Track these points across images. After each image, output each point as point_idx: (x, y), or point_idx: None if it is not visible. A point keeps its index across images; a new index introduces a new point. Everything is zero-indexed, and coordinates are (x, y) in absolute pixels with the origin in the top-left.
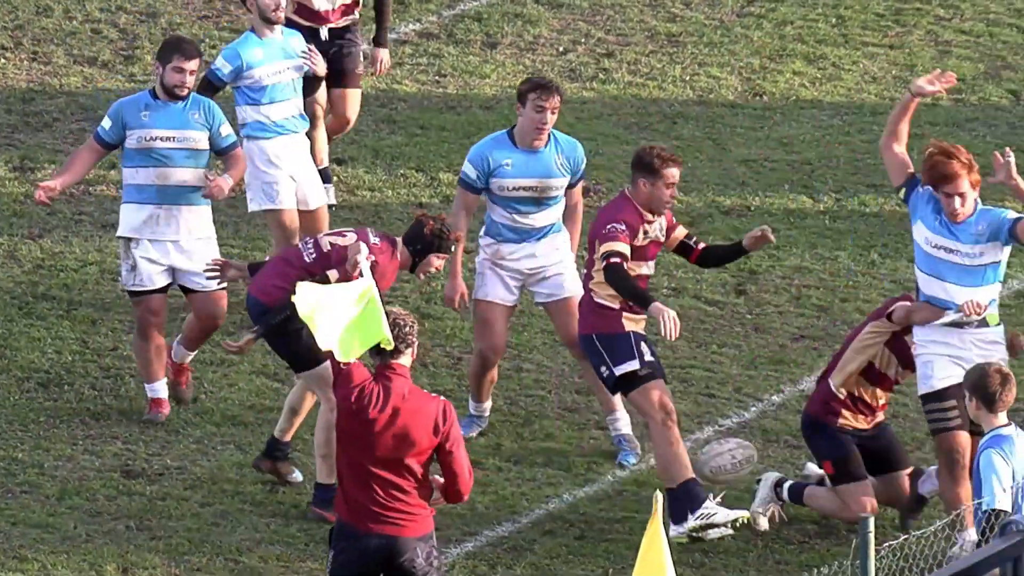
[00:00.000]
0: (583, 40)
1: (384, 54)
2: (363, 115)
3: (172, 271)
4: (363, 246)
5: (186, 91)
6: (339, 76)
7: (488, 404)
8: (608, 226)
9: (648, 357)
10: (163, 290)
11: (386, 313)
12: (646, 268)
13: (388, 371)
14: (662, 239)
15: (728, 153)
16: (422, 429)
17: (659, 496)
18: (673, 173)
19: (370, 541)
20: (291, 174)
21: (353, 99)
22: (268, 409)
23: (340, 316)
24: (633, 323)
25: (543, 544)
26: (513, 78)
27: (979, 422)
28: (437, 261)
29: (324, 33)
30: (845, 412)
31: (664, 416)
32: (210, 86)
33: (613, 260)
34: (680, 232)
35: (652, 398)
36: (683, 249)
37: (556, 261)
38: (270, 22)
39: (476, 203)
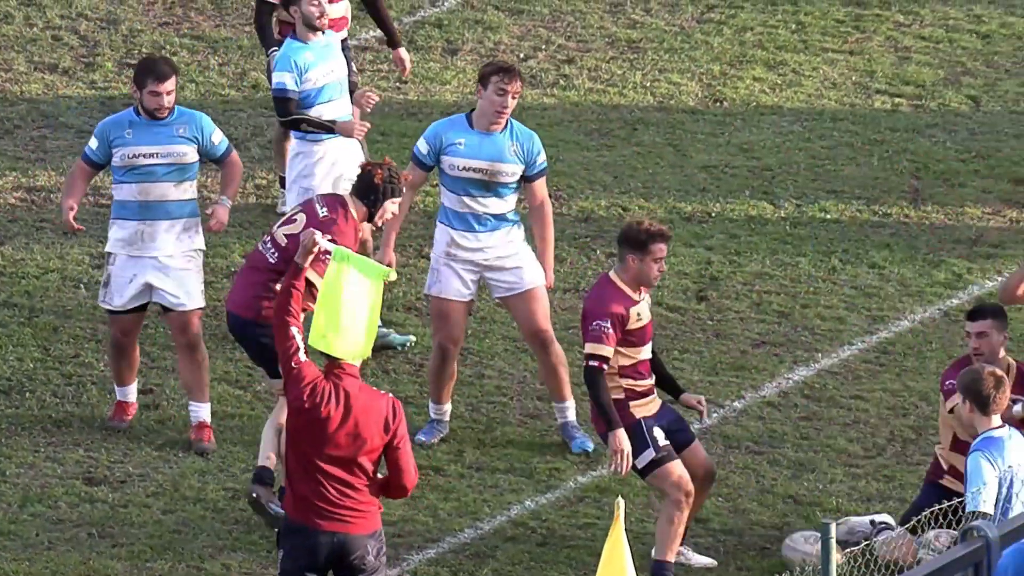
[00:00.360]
0: (543, 47)
1: (403, 52)
2: None
3: (150, 288)
4: (314, 233)
5: (166, 112)
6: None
7: (448, 407)
8: (594, 323)
9: (662, 441)
10: (136, 310)
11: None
12: (645, 352)
13: (338, 370)
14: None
15: (689, 159)
16: (373, 427)
17: (621, 503)
18: (661, 248)
19: (321, 539)
20: (343, 175)
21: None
22: (230, 416)
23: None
24: (643, 408)
25: (505, 551)
26: (473, 85)
27: (973, 424)
28: (392, 207)
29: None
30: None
31: (683, 497)
32: (287, 104)
33: (591, 364)
34: None
35: (672, 479)
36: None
37: (512, 253)
38: (315, 29)
39: (423, 180)
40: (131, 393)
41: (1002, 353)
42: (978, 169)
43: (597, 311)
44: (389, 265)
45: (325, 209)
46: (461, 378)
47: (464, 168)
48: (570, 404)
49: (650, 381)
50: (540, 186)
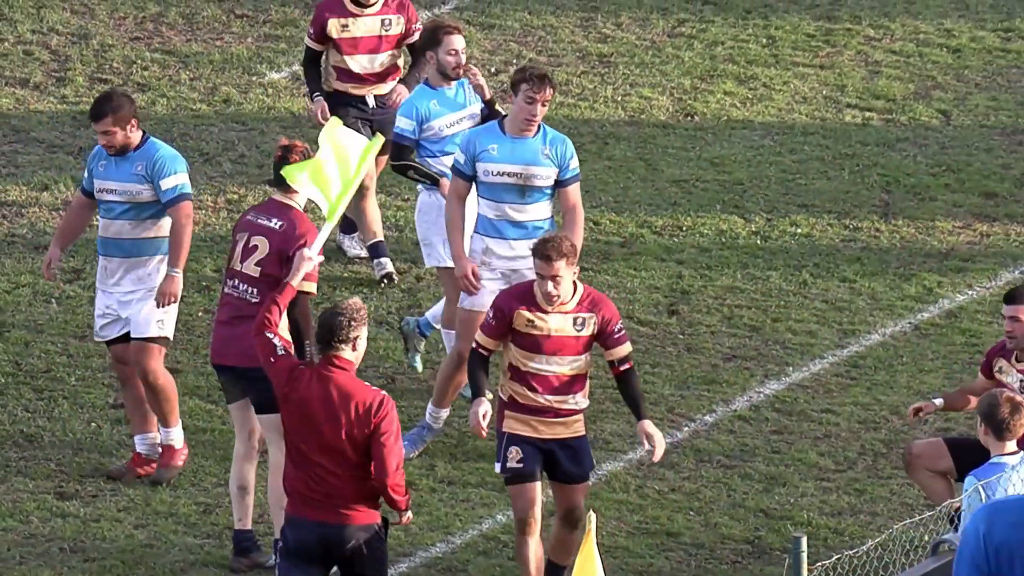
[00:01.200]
0: (515, 61)
1: (403, 91)
2: (294, 135)
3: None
4: (303, 253)
5: (113, 150)
6: (387, 143)
7: (446, 414)
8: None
9: (512, 464)
10: (121, 339)
11: (335, 304)
12: (541, 364)
13: (330, 363)
14: (580, 335)
15: (660, 173)
16: (357, 417)
17: (593, 517)
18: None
19: (310, 529)
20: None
21: (380, 164)
22: (202, 430)
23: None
24: (516, 422)
25: (477, 564)
26: None
27: (988, 447)
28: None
29: (371, 100)
30: None
31: (519, 524)
32: (403, 148)
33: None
34: (619, 351)
35: (514, 502)
36: (610, 364)
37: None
38: (449, 79)
39: (467, 190)
40: (143, 443)
41: None
42: (948, 183)
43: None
44: (474, 271)
45: (278, 220)
46: (431, 392)
47: (498, 173)
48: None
49: (543, 401)
50: (573, 191)
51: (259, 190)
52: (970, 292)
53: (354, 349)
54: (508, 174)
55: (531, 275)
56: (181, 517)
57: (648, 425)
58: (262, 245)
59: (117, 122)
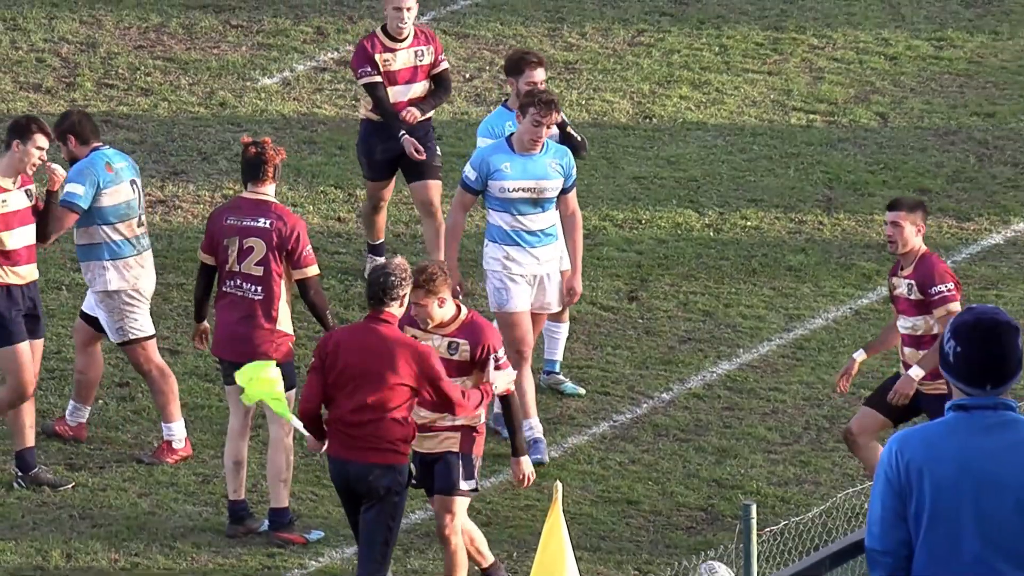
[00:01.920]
0: (487, 68)
1: (414, 112)
2: (286, 136)
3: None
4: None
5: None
6: (420, 170)
7: (536, 422)
8: None
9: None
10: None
11: (384, 264)
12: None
13: (378, 320)
14: (451, 358)
15: (620, 171)
16: (403, 366)
17: (559, 486)
18: None
19: (338, 466)
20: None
21: (435, 189)
22: (200, 407)
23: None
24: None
25: None
26: None
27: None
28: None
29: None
30: None
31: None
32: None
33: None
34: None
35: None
36: None
37: (551, 271)
38: None
39: (472, 203)
40: (171, 431)
41: (918, 244)
42: (886, 180)
43: None
44: (460, 285)
45: (264, 219)
46: None
47: (515, 189)
48: (534, 423)
49: (422, 415)
50: (572, 197)
51: None
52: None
53: (401, 305)
54: (524, 189)
55: (554, 279)
56: (181, 487)
57: (522, 463)
58: (258, 246)
59: (58, 138)
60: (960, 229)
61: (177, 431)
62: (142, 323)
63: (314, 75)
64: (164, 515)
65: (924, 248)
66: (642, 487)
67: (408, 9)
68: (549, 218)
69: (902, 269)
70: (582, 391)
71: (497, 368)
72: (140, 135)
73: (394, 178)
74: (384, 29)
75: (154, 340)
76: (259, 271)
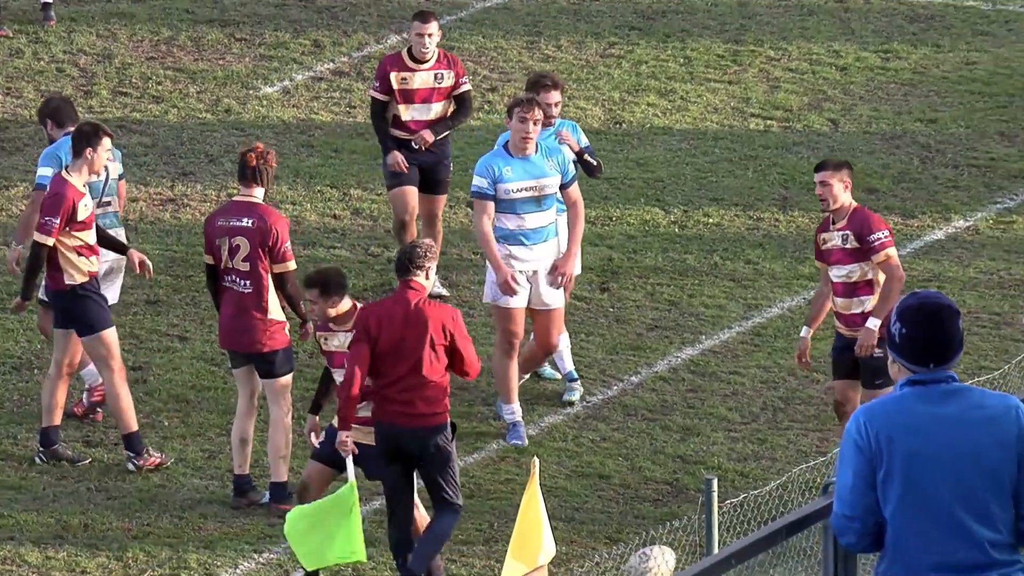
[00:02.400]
0: (471, 77)
1: (428, 134)
2: (286, 140)
3: None
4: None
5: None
6: (432, 184)
7: (518, 407)
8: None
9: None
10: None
11: (412, 242)
12: (339, 375)
13: (407, 286)
14: None
15: None
16: (435, 330)
17: (536, 462)
18: None
19: (389, 431)
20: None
21: (442, 202)
22: (206, 388)
23: (324, 528)
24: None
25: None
26: None
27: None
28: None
29: (417, 143)
30: None
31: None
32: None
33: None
34: None
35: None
36: None
37: (545, 267)
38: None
39: (492, 209)
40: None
41: (848, 201)
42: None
43: None
44: (512, 277)
45: (248, 219)
46: None
47: (518, 190)
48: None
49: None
50: (574, 190)
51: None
52: None
53: (426, 277)
54: (526, 189)
55: (543, 274)
56: (189, 462)
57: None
58: (243, 244)
59: (39, 120)
60: (905, 226)
61: (90, 378)
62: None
63: (311, 84)
64: (173, 488)
65: (854, 203)
66: (612, 463)
67: (430, 35)
68: (549, 216)
69: (834, 223)
70: (558, 375)
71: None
72: (152, 139)
73: (417, 189)
74: (410, 50)
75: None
76: (246, 267)
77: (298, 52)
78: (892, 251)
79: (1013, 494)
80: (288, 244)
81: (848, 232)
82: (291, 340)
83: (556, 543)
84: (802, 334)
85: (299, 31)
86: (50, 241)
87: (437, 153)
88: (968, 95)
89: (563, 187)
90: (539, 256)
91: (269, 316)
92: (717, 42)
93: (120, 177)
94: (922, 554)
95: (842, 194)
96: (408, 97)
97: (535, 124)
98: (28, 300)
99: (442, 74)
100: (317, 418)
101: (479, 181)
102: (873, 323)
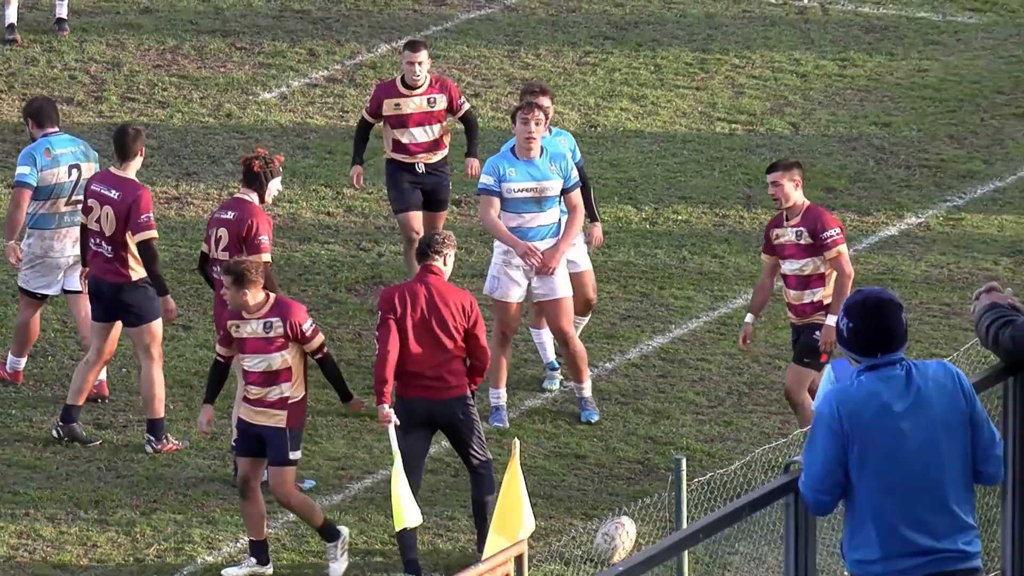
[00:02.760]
0: (456, 82)
1: (474, 163)
2: (283, 143)
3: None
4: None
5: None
6: (433, 203)
7: (504, 392)
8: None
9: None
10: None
11: (433, 231)
12: (247, 363)
13: (428, 271)
14: (268, 336)
15: None
16: (455, 312)
17: (516, 442)
18: None
19: (419, 404)
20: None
21: (443, 218)
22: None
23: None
24: (242, 407)
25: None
26: None
27: None
28: (275, 184)
29: (420, 167)
30: None
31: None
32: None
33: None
34: (311, 346)
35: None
36: (311, 354)
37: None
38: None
39: (498, 204)
40: (16, 363)
41: (800, 199)
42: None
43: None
44: (532, 249)
45: (231, 212)
46: None
47: (519, 190)
48: (586, 385)
49: (255, 392)
50: (575, 195)
51: None
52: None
53: (444, 264)
54: (527, 190)
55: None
56: (193, 443)
57: (352, 405)
58: (224, 235)
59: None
60: (861, 222)
61: (14, 363)
62: (35, 283)
63: (307, 90)
64: (178, 467)
65: (807, 201)
66: (588, 443)
67: (420, 63)
68: (549, 217)
69: (788, 220)
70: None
71: (310, 336)
72: (158, 141)
73: (421, 211)
74: (402, 77)
75: (39, 303)
76: (224, 256)
77: (294, 60)
78: (843, 248)
79: (972, 449)
80: (264, 237)
81: (802, 228)
82: None
83: (535, 518)
84: (747, 320)
85: (295, 41)
86: (156, 233)
87: (439, 176)
88: (920, 100)
89: (565, 191)
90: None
91: None
92: (685, 51)
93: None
94: (898, 523)
95: (793, 192)
96: (402, 122)
97: (536, 125)
98: (168, 293)
99: (435, 98)
100: (212, 407)
101: (486, 179)
102: (832, 320)
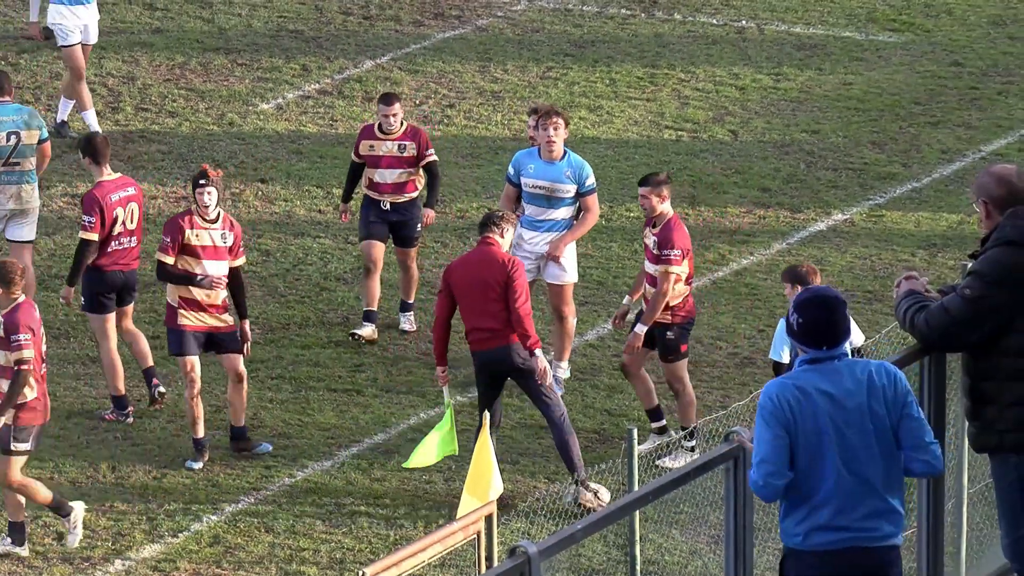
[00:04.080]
0: (432, 95)
1: (430, 214)
2: (279, 148)
3: None
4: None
5: None
6: (401, 239)
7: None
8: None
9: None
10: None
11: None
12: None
13: (485, 241)
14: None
15: None
16: (497, 270)
17: (487, 415)
18: None
19: (481, 356)
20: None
21: (413, 253)
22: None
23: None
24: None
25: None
26: None
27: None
28: (198, 191)
29: (386, 204)
30: None
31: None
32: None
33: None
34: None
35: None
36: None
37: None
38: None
39: (515, 193)
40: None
41: (667, 211)
42: (736, 181)
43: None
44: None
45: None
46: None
47: (532, 185)
48: (564, 365)
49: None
50: (590, 200)
51: (254, 187)
52: (751, 257)
53: (501, 236)
54: (539, 187)
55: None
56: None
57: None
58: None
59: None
60: (793, 219)
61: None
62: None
63: (300, 101)
64: (186, 437)
65: (672, 214)
66: None
67: (394, 115)
68: (560, 214)
69: (654, 226)
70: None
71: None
72: (168, 147)
73: (384, 245)
74: (379, 124)
75: None
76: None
77: (289, 75)
78: (675, 268)
79: (906, 443)
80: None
81: (656, 239)
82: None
83: (503, 482)
84: (624, 301)
85: (290, 57)
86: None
87: (404, 214)
88: (845, 110)
89: (580, 195)
90: (543, 240)
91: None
92: (637, 66)
93: (43, 140)
94: (827, 503)
95: (659, 205)
96: (375, 162)
97: (555, 130)
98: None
99: (405, 144)
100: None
101: (509, 169)
102: (640, 329)
